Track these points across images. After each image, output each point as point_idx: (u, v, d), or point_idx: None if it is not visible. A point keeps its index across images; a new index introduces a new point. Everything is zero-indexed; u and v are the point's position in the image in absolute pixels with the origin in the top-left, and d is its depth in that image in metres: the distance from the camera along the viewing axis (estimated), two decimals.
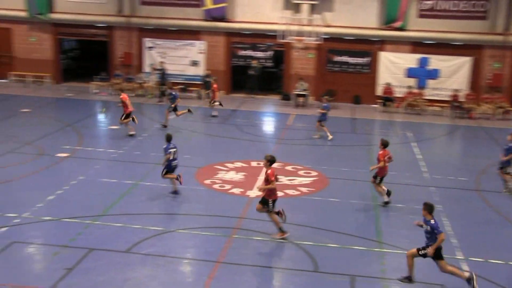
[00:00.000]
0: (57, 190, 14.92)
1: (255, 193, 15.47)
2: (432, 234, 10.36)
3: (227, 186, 15.92)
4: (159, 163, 17.49)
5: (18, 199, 14.35)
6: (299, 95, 28.28)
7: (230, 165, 17.82)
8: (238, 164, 17.95)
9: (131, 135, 20.71)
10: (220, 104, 24.89)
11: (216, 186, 15.96)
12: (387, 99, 28.10)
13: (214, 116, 24.89)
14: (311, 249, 11.94)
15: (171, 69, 29.38)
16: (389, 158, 14.78)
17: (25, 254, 11.54)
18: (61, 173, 16.20)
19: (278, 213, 12.56)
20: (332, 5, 28.57)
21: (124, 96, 20.96)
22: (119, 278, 10.58)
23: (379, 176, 14.83)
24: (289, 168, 17.81)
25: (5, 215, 13.06)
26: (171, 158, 14.73)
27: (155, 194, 15.06)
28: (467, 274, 10.60)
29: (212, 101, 24.84)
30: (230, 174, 17.01)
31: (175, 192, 15.02)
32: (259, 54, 29.61)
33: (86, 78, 30.87)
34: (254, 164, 18.14)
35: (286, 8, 28.67)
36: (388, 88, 28.35)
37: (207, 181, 16.30)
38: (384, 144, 14.76)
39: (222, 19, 29.11)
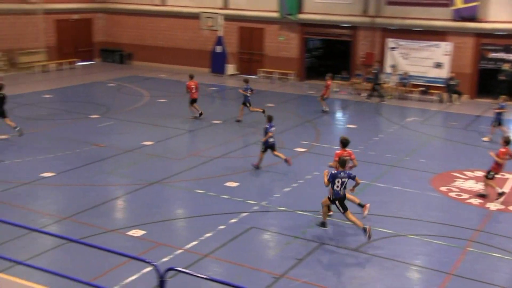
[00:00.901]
0: (293, 183, 15.63)
1: (496, 206, 14.39)
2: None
3: (465, 196, 15.05)
4: (394, 165, 17.34)
5: (258, 188, 15.44)
6: None
7: (469, 174, 16.83)
8: (479, 173, 16.83)
9: (196, 117, 22.30)
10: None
11: (452, 194, 15.19)
12: None
13: (325, 111, 24.44)
14: None
15: (412, 70, 28.84)
16: (510, 156, 14.59)
17: (261, 239, 12.30)
18: (298, 167, 16.87)
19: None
20: None
21: (189, 83, 21.93)
22: (345, 275, 10.68)
23: (492, 172, 14.66)
24: None
25: (246, 202, 14.08)
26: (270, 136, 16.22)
27: (387, 195, 14.90)
28: (362, 225, 11.78)
29: (323, 97, 24.47)
30: (469, 183, 16.06)
31: (257, 167, 16.52)
32: None
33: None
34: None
35: None
36: None
37: (443, 188, 15.60)
38: (507, 141, 14.70)
39: (473, 19, 27.52)
